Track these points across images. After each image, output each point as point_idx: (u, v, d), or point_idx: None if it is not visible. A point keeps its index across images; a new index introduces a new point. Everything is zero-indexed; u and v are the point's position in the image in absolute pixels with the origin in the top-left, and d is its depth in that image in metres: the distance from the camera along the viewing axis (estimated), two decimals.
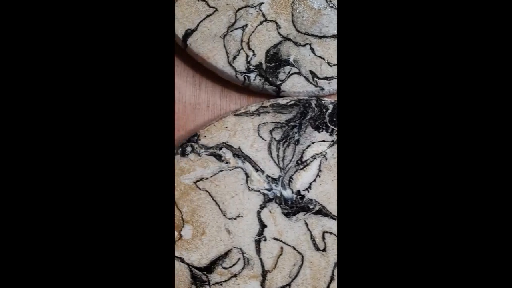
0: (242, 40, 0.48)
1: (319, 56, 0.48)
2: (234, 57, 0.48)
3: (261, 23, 0.49)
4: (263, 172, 0.45)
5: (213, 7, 0.49)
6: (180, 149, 0.45)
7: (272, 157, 0.45)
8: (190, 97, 0.50)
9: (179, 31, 0.49)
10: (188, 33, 0.48)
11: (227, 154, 0.45)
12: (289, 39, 0.48)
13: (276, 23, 0.49)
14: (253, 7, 0.49)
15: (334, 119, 0.46)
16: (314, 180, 0.45)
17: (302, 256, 0.44)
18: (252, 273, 0.43)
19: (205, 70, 0.50)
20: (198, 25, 0.49)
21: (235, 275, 0.43)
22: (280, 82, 0.47)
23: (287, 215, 0.44)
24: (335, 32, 0.49)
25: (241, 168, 0.45)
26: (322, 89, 0.48)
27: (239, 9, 0.49)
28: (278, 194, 0.45)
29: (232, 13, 0.49)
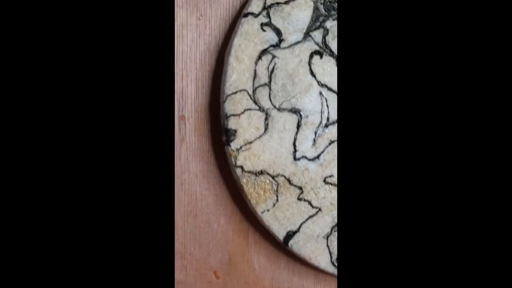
0: None
1: None
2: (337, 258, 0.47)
3: None
4: None
5: (317, 207, 0.45)
6: None
7: None
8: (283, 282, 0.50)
9: (280, 232, 0.46)
10: (290, 235, 0.46)
11: None
12: None
13: None
14: None
15: None
16: None
17: None
18: None
19: None
20: (300, 227, 0.46)
21: None
22: None
23: None
24: None
25: None
26: None
27: None
28: None
29: (336, 212, 0.45)
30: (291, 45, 0.42)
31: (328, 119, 0.44)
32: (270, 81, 0.43)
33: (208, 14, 0.46)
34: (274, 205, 0.45)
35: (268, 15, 0.42)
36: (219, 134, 0.47)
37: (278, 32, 0.42)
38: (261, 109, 0.43)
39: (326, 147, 0.44)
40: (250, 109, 0.43)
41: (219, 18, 0.46)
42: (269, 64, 0.43)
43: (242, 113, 0.44)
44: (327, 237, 0.46)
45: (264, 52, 0.42)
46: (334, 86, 0.43)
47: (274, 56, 0.43)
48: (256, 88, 0.43)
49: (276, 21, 0.42)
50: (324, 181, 0.45)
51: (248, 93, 0.43)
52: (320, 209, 0.45)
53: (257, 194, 0.45)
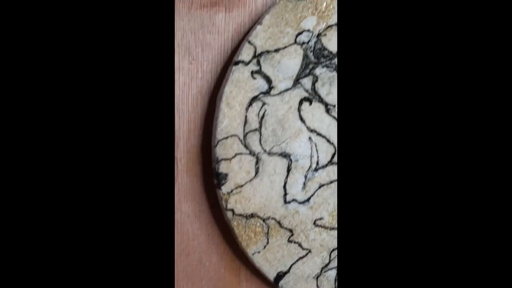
0: (335, 280, 0.47)
1: None
2: None
3: None
4: None
5: (307, 249, 0.46)
6: None
7: None
8: None
9: (271, 273, 0.46)
10: (280, 276, 0.47)
11: None
12: None
13: None
14: None
15: None
16: None
17: None
18: None
19: None
20: (290, 267, 0.46)
21: None
22: None
23: None
24: None
25: None
26: None
27: (333, 249, 0.46)
28: None
29: (326, 254, 0.46)
30: (281, 92, 0.43)
31: (317, 163, 0.45)
32: (260, 127, 0.44)
33: (200, 58, 0.47)
34: (264, 247, 0.46)
35: (258, 63, 0.43)
36: (210, 175, 0.48)
37: (268, 79, 0.43)
38: (251, 153, 0.44)
39: (316, 190, 0.45)
40: (241, 154, 0.44)
41: (210, 62, 0.47)
42: (260, 110, 0.44)
43: (233, 157, 0.44)
44: (317, 277, 0.47)
45: (254, 99, 0.43)
46: (323, 131, 0.44)
47: (264, 103, 0.43)
48: (247, 133, 0.44)
49: (266, 69, 0.43)
50: (314, 223, 0.46)
51: (239, 138, 0.44)
52: (310, 251, 0.46)
53: (248, 236, 0.45)
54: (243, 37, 0.46)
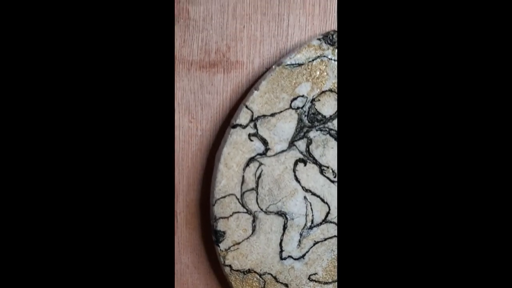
0: None
1: None
2: None
3: None
4: None
5: None
6: None
7: None
8: None
9: None
10: None
11: None
12: None
13: None
14: None
15: None
16: None
17: None
18: None
19: None
20: None
21: None
22: None
23: None
24: None
25: None
26: None
27: None
28: None
29: None
30: (277, 154, 0.45)
31: (312, 221, 0.46)
32: (257, 186, 0.45)
33: (199, 117, 0.48)
34: None
35: (255, 127, 0.45)
36: (209, 229, 0.49)
37: (264, 141, 0.45)
38: (248, 212, 0.46)
39: (311, 247, 0.47)
40: (238, 212, 0.46)
41: (209, 121, 0.49)
42: (256, 170, 0.45)
43: (231, 215, 0.46)
44: None
45: (251, 160, 0.45)
46: (318, 191, 0.46)
47: (261, 164, 0.45)
48: (244, 193, 0.46)
49: (263, 132, 0.45)
50: (309, 278, 0.47)
51: (236, 197, 0.46)
52: None
53: None
54: (241, 97, 0.48)
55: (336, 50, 0.44)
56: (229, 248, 0.46)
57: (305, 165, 0.45)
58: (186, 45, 0.47)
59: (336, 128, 0.45)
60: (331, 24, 0.47)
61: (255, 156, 0.45)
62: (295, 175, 0.45)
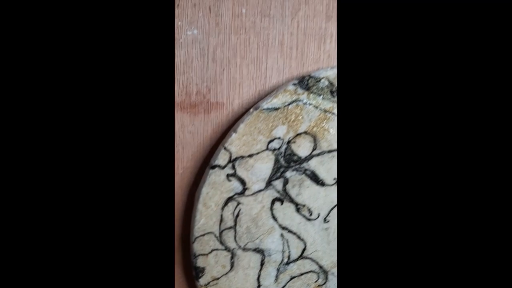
0: None
1: None
2: None
3: None
4: None
5: None
6: None
7: None
8: None
9: None
10: None
11: None
12: None
13: None
14: None
15: None
16: None
17: None
18: None
19: None
20: None
21: None
22: None
23: None
24: None
25: None
26: None
27: None
28: None
29: None
30: (254, 193, 0.47)
31: (289, 257, 0.48)
32: (235, 225, 0.47)
33: (180, 156, 0.50)
34: None
35: (233, 167, 0.46)
36: (190, 264, 0.51)
37: (242, 181, 0.46)
38: (227, 249, 0.47)
39: (287, 282, 0.48)
40: (217, 249, 0.47)
41: (190, 159, 0.50)
42: (235, 209, 0.47)
43: (210, 252, 0.47)
44: None
45: (229, 199, 0.47)
46: (294, 229, 0.48)
47: (239, 203, 0.47)
48: (222, 231, 0.47)
49: (241, 172, 0.46)
50: None
51: (215, 235, 0.47)
52: None
53: None
54: (221, 136, 0.50)
55: (312, 95, 0.45)
56: (209, 283, 0.48)
57: (282, 203, 0.47)
58: None
59: (311, 169, 0.46)
60: (308, 66, 0.49)
61: (233, 195, 0.47)
62: (272, 214, 0.47)
